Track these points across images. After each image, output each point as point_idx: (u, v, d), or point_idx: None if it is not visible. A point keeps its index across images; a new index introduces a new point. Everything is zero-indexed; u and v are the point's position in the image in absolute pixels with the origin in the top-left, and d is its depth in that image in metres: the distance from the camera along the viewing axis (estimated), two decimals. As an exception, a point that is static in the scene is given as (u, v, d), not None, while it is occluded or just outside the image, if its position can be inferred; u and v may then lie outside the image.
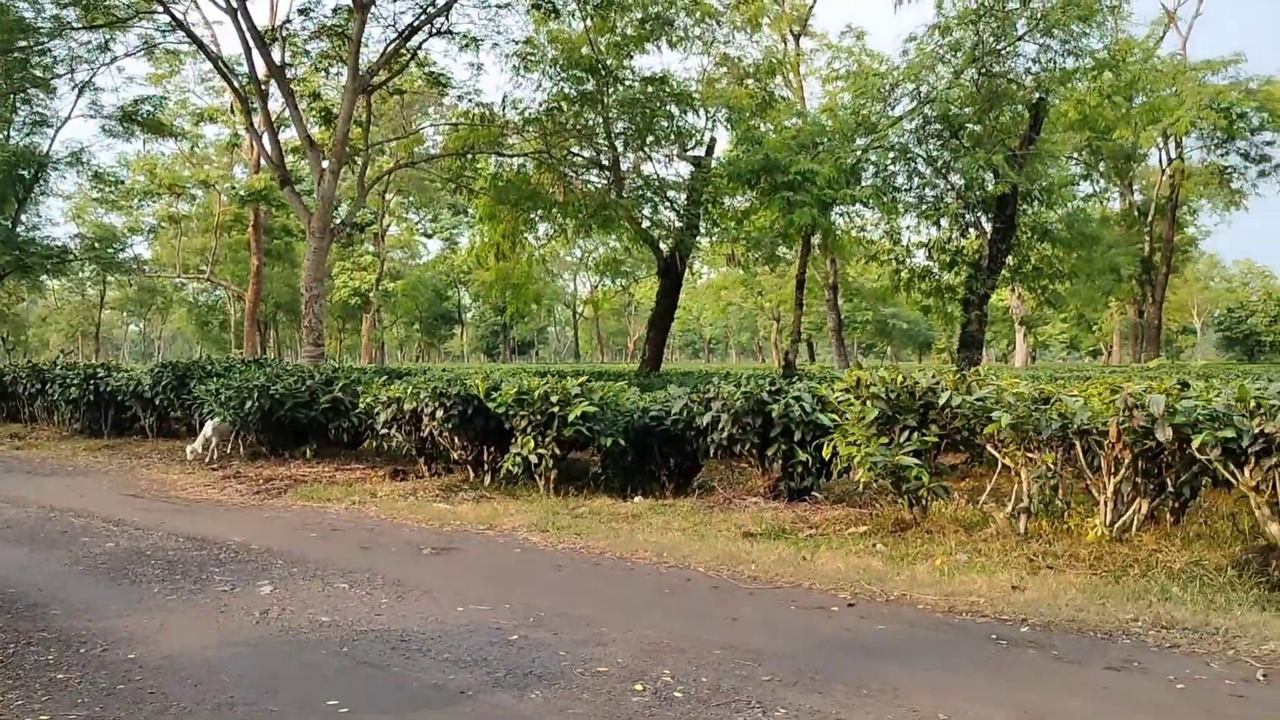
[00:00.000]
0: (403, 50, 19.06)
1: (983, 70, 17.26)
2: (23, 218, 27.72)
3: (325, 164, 17.09)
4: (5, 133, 26.42)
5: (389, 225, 50.59)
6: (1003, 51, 17.12)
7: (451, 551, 6.80)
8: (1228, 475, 5.82)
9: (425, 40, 19.41)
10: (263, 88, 19.47)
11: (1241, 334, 73.04)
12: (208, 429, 12.11)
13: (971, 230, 19.44)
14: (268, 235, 39.09)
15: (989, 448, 7.04)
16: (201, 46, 18.68)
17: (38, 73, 23.72)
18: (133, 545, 6.98)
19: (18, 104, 25.95)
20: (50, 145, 27.37)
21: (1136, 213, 39.77)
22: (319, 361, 16.41)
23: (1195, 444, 5.69)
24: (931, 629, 4.81)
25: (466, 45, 19.33)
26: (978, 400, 6.87)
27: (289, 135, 25.49)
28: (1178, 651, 4.42)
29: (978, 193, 17.77)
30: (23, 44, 20.27)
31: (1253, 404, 5.62)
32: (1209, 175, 37.99)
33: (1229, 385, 6.27)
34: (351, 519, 8.28)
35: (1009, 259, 18.82)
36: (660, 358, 22.87)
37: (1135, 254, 35.19)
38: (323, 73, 23.07)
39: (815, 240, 21.47)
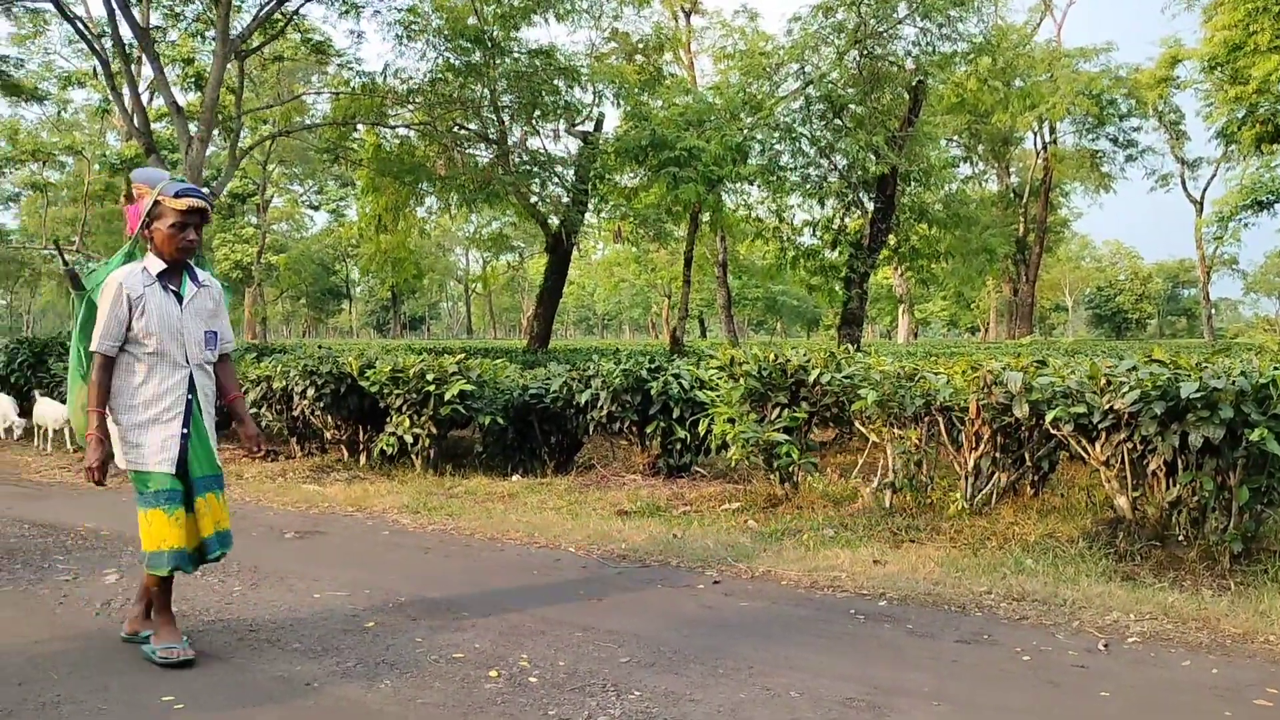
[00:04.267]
0: (278, 14, 18.37)
1: (865, 52, 17.51)
2: None
3: (193, 131, 16.36)
4: None
5: (272, 196, 48.97)
6: (884, 34, 17.40)
7: (316, 535, 6.60)
8: (1080, 450, 6.03)
9: (303, 4, 18.75)
10: (128, 52, 18.53)
11: (1110, 311, 76.59)
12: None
13: (854, 210, 19.78)
14: (141, 205, 37.36)
15: (857, 424, 7.16)
16: (59, 7, 17.62)
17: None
18: (-29, 534, 6.58)
19: None
20: (-104, 106, 25.63)
21: (1012, 194, 41.20)
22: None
23: (1049, 419, 5.88)
24: (793, 605, 4.86)
25: (346, 11, 18.75)
26: (846, 378, 6.97)
27: (161, 102, 24.37)
28: (1027, 623, 4.55)
29: (859, 173, 18.06)
30: None
31: (1103, 381, 5.82)
32: (1081, 159, 39.59)
33: (1083, 362, 6.49)
34: (215, 502, 7.95)
35: (889, 239, 19.21)
36: (548, 334, 22.72)
37: (1010, 234, 36.43)
38: (198, 37, 22.12)
39: (704, 218, 21.57)
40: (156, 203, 3.89)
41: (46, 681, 3.74)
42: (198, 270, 4.11)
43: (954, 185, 22.55)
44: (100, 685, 3.71)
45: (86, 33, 18.16)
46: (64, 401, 11.00)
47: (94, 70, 31.05)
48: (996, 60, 21.36)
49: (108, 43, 18.49)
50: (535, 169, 19.82)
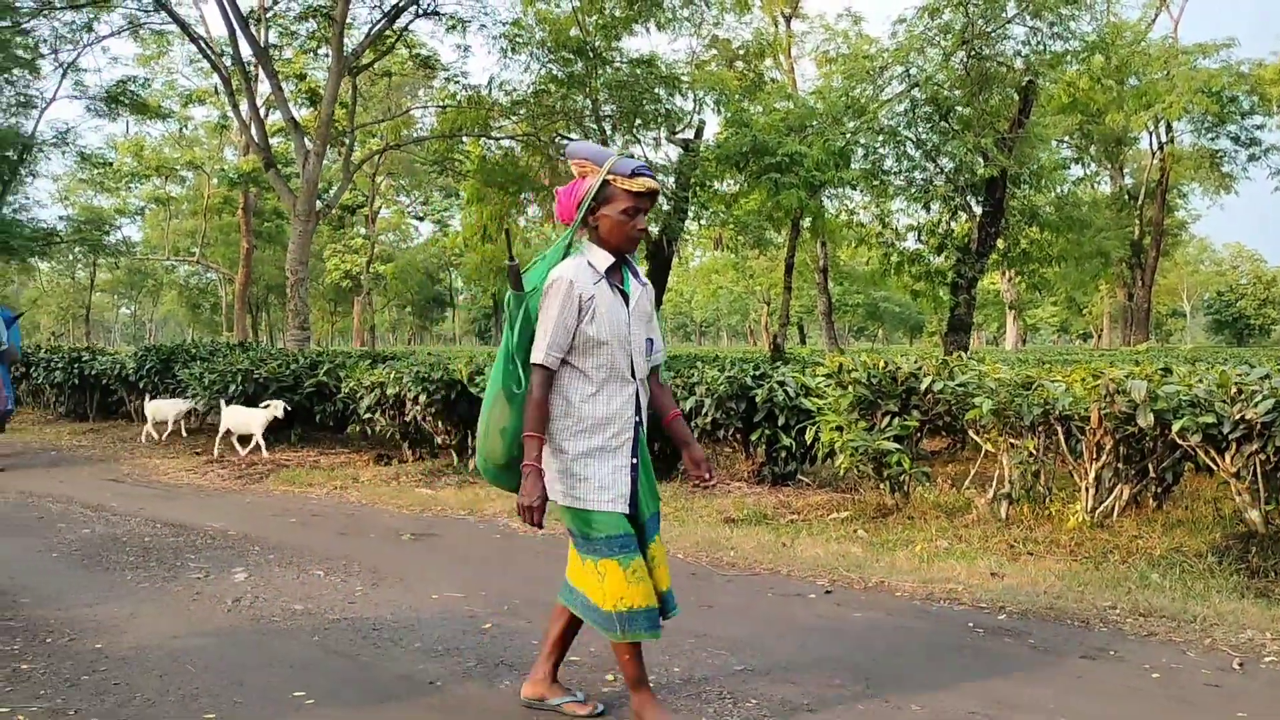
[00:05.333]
0: (389, 31, 18.90)
1: (972, 53, 17.14)
2: (8, 199, 27.54)
3: (309, 146, 16.94)
4: (-11, 114, 26.19)
5: (380, 208, 50.37)
6: (992, 34, 17.01)
7: (431, 538, 6.76)
8: (1209, 461, 5.80)
9: (412, 21, 19.26)
10: (248, 70, 19.28)
11: (1230, 317, 73.24)
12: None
13: (961, 214, 19.36)
14: (258, 218, 38.90)
15: (971, 433, 7.02)
16: (184, 28, 18.47)
17: (21, 53, 23.50)
18: (109, 531, 6.93)
19: (2, 85, 25.74)
20: (35, 126, 27.18)
21: (1127, 196, 39.77)
22: (304, 345, 16.32)
23: (1175, 429, 5.66)
24: (909, 617, 4.79)
25: (453, 27, 19.19)
26: (959, 386, 6.83)
27: (276, 117, 25.32)
28: (1155, 640, 4.40)
29: (967, 176, 17.68)
30: (3, 24, 20.05)
31: (1234, 390, 5.59)
32: (1200, 159, 37.99)
33: (1211, 370, 6.25)
34: (333, 504, 8.23)
35: (998, 243, 18.75)
36: (649, 341, 22.80)
37: (1125, 237, 35.14)
38: (310, 54, 22.91)
39: (804, 224, 21.39)
40: (605, 183, 3.17)
41: (184, 675, 3.92)
42: (636, 266, 3.41)
43: (1065, 187, 21.87)
44: (235, 680, 3.87)
45: (208, 52, 18.99)
46: (253, 405, 11.14)
47: (215, 88, 32.45)
48: (1110, 58, 20.66)
49: (227, 61, 19.30)
50: (636, 177, 19.94)
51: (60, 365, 15.43)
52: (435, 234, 57.73)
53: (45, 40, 22.65)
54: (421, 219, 56.31)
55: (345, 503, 8.29)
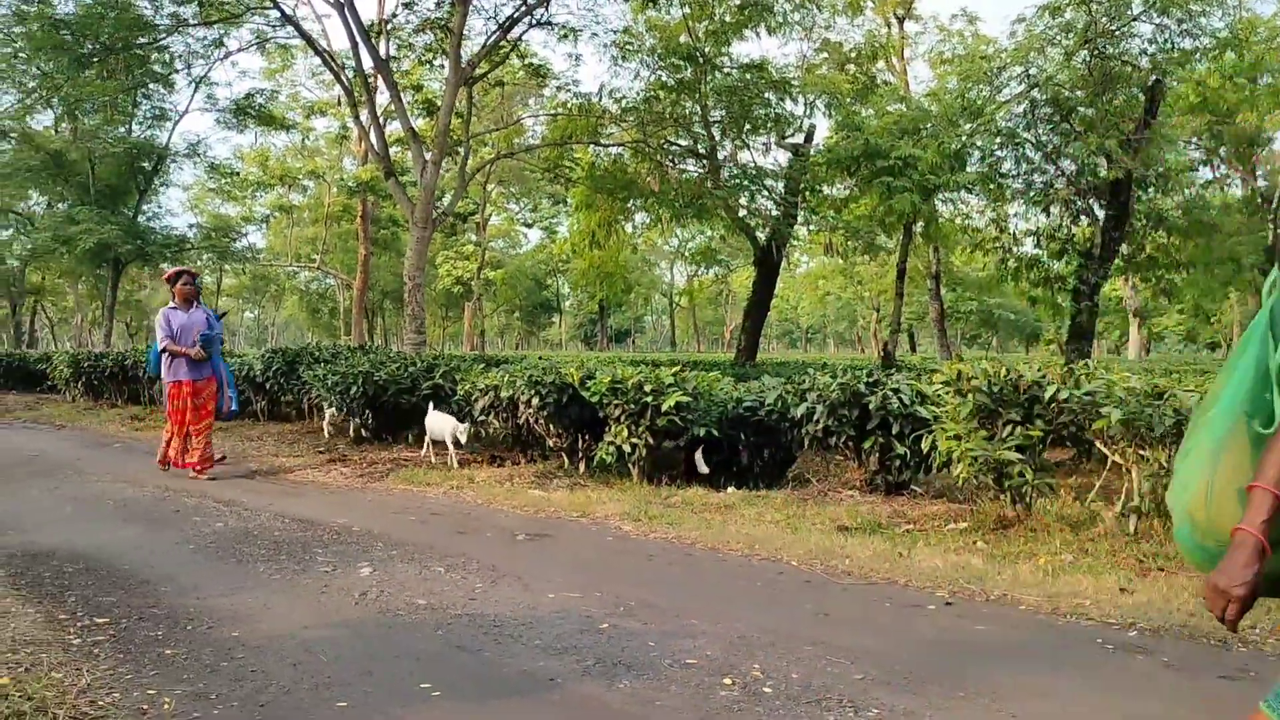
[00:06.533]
0: (503, 42, 19.28)
1: (1095, 52, 16.60)
2: (144, 208, 29.03)
3: (427, 156, 17.38)
4: (126, 126, 27.67)
5: (490, 215, 51.34)
6: (1117, 32, 16.45)
7: (545, 538, 6.86)
8: (1358, 477, 5.48)
9: (525, 32, 19.61)
10: (369, 81, 19.90)
11: (1375, 327, 68.94)
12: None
13: (1083, 218, 18.75)
14: (375, 225, 40.05)
15: (1098, 444, 6.78)
16: (309, 41, 19.17)
17: (157, 68, 24.79)
18: (241, 525, 7.22)
19: (138, 98, 27.18)
20: (169, 138, 28.64)
21: (1260, 199, 37.85)
22: (420, 349, 16.74)
23: (1322, 444, 5.37)
24: (1034, 631, 4.65)
25: (565, 36, 19.46)
26: (1086, 395, 6.61)
27: (393, 127, 26.07)
28: (1299, 662, 4.19)
29: (1089, 179, 17.12)
30: (142, 41, 21.15)
31: (1388, 402, 5.27)
32: (1341, 159, 35.89)
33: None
34: (450, 503, 8.42)
35: (1122, 248, 18.10)
36: (756, 347, 22.71)
37: (1259, 243, 33.44)
38: (426, 65, 23.52)
39: (917, 228, 21.01)
40: None
41: (316, 664, 4.06)
42: None
43: (1194, 190, 21.01)
44: (364, 670, 3.99)
45: (331, 64, 19.67)
46: (456, 415, 10.79)
47: (336, 99, 33.61)
48: (1243, 55, 19.76)
49: (349, 73, 19.97)
50: (745, 182, 19.91)
51: (192, 366, 16.13)
52: (543, 240, 58.62)
53: (179, 56, 23.88)
54: (530, 226, 57.29)
55: (461, 502, 8.47)
